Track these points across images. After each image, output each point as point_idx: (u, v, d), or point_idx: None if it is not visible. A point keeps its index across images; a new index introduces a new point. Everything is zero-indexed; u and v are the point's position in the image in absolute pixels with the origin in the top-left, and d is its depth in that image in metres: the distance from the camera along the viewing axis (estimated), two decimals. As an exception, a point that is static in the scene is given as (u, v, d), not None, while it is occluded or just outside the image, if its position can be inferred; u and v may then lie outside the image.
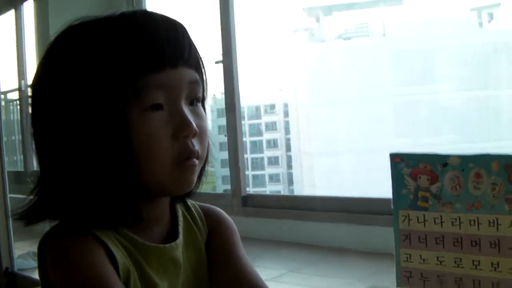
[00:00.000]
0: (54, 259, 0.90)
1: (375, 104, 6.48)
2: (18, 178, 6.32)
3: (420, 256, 2.10)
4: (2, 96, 6.53)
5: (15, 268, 3.95)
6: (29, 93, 1.00)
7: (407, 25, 6.47)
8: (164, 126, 0.91)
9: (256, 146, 6.75)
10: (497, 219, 1.91)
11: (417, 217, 2.07)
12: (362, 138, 6.27)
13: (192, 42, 0.97)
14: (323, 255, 3.62)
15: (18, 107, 6.86)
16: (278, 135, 7.14)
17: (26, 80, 6.42)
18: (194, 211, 1.10)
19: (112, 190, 0.92)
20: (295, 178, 6.79)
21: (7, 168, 4.10)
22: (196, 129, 0.93)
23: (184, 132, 0.93)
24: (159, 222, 1.03)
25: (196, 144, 0.95)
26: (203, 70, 1.00)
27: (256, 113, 6.42)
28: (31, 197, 0.99)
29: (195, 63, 0.97)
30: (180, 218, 1.06)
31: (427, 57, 6.32)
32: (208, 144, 1.02)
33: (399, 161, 2.09)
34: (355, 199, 3.80)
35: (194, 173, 0.97)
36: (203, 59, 1.03)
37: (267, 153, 7.04)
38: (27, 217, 0.98)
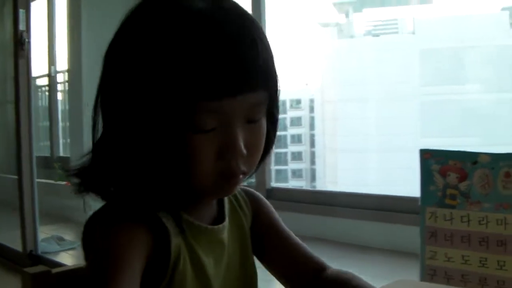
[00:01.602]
0: (99, 245, 0.91)
1: (402, 102, 6.44)
2: (45, 163, 6.39)
3: (446, 254, 2.09)
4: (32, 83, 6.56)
5: (39, 251, 3.99)
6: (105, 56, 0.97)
7: (437, 23, 6.41)
8: (211, 148, 0.90)
9: (280, 141, 6.73)
10: (525, 220, 1.90)
11: (444, 215, 2.06)
12: (387, 136, 6.25)
13: (268, 57, 0.91)
14: (346, 252, 3.60)
15: (47, 93, 6.90)
16: (303, 131, 7.13)
17: (56, 66, 6.47)
18: (238, 195, 1.11)
19: (167, 179, 0.92)
20: (317, 174, 6.78)
21: (35, 154, 4.14)
22: (243, 151, 0.91)
23: (229, 155, 0.91)
24: (208, 206, 1.04)
25: (242, 164, 0.93)
26: (275, 83, 0.95)
27: (282, 107, 6.43)
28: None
29: (264, 83, 0.91)
30: (226, 202, 1.08)
31: (456, 56, 6.26)
32: (267, 152, 1.01)
33: (428, 158, 2.09)
34: (380, 197, 3.77)
35: (237, 186, 0.98)
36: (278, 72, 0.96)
37: (291, 148, 7.04)
38: (81, 179, 0.97)
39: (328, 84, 6.65)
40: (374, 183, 5.09)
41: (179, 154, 0.88)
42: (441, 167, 2.06)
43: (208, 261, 0.99)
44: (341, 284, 1.01)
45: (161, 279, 0.91)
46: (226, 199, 1.07)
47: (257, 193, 1.16)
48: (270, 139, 1.00)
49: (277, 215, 1.13)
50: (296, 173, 6.32)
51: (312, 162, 6.28)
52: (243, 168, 0.92)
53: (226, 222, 1.04)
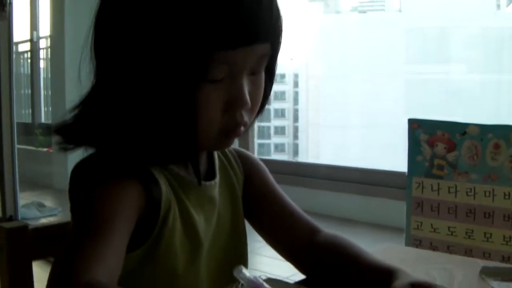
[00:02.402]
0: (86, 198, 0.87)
1: (386, 79, 6.42)
2: (26, 130, 6.31)
3: (431, 225, 2.08)
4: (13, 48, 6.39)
5: (19, 217, 3.95)
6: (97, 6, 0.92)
7: (424, 2, 6.38)
8: (218, 98, 0.87)
9: (263, 115, 6.67)
10: (512, 192, 1.89)
11: (431, 185, 2.05)
12: (371, 113, 6.23)
13: (278, 11, 0.89)
14: (328, 224, 3.59)
15: (29, 60, 6.77)
16: (287, 105, 7.09)
17: (38, 31, 6.36)
18: (230, 155, 1.08)
19: (170, 131, 0.88)
20: (300, 149, 6.75)
21: (15, 120, 4.08)
22: (249, 102, 0.89)
23: (236, 106, 0.89)
24: (199, 163, 1.01)
25: (245, 115, 0.91)
26: (280, 38, 0.92)
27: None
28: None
29: (273, 35, 0.89)
30: (216, 161, 1.05)
31: (442, 36, 6.24)
32: (263, 106, 0.99)
33: (416, 127, 2.07)
34: (363, 170, 3.77)
35: (236, 138, 0.95)
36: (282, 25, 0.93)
37: (274, 123, 7.00)
38: (67, 138, 0.92)
39: (313, 59, 6.60)
40: (356, 159, 5.07)
41: (186, 104, 0.85)
42: (429, 137, 2.04)
43: (198, 218, 0.97)
44: (336, 251, 0.99)
45: (148, 234, 0.89)
46: (216, 158, 1.04)
47: (251, 155, 1.13)
48: (267, 93, 0.98)
49: (271, 177, 1.10)
50: (279, 148, 6.29)
51: (295, 136, 6.25)
52: (246, 119, 0.90)
53: (217, 180, 1.01)
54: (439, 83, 6.08)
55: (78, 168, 0.92)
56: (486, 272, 1.04)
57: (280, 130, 6.90)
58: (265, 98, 0.97)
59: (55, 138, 0.92)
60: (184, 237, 0.94)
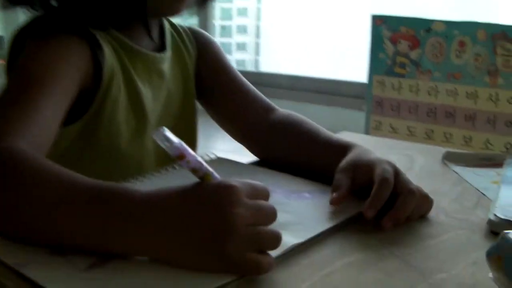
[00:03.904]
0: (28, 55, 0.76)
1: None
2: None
3: (391, 124, 2.01)
4: None
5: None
6: None
7: None
8: None
9: (225, 30, 6.51)
10: (476, 91, 1.81)
11: (392, 84, 1.96)
12: (335, 23, 6.08)
13: None
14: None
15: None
16: (248, 21, 6.90)
17: None
18: (183, 33, 0.98)
19: None
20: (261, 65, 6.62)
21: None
22: None
23: None
24: (148, 34, 0.91)
25: None
26: None
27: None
28: None
29: None
30: (168, 36, 0.94)
31: None
32: None
33: (380, 24, 1.96)
34: (325, 80, 3.67)
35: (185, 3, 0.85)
36: None
37: (236, 39, 6.85)
38: None
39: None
40: (319, 70, 4.97)
41: None
42: (393, 34, 1.94)
43: (145, 91, 0.87)
44: (291, 127, 0.90)
45: (88, 105, 0.78)
46: (168, 32, 0.95)
47: (205, 33, 1.04)
48: None
49: (225, 56, 1.01)
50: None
51: (257, 53, 6.09)
52: None
53: (168, 54, 0.92)
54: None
55: (20, 33, 0.80)
56: (449, 157, 0.96)
57: (242, 46, 6.73)
58: None
59: None
60: (129, 111, 0.85)
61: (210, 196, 0.51)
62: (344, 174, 0.71)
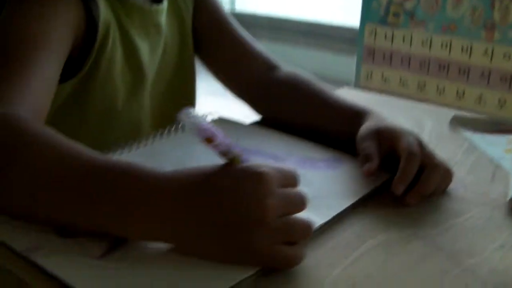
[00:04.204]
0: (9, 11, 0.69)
1: None
2: None
3: (382, 74, 1.97)
4: None
5: None
6: None
7: None
8: None
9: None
10: (471, 45, 1.78)
11: (385, 34, 1.91)
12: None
13: None
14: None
15: None
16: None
17: None
18: None
19: None
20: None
21: None
22: None
23: None
24: None
25: None
26: None
27: None
28: None
29: None
30: None
31: None
32: None
33: (375, -30, 1.90)
34: (312, 24, 3.59)
35: None
36: None
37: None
38: None
39: None
40: (306, 12, 4.88)
41: None
42: (388, -18, 1.89)
43: (142, 46, 0.82)
44: (297, 88, 0.86)
45: (84, 62, 0.73)
46: None
47: None
48: None
49: (222, 7, 0.96)
50: None
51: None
52: None
53: (164, 5, 0.86)
54: None
55: None
56: (457, 121, 0.93)
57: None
58: None
59: None
60: (126, 66, 0.80)
61: (240, 183, 0.47)
62: (372, 142, 0.68)
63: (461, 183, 0.69)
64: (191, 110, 0.46)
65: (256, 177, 0.47)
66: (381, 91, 1.92)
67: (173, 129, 0.77)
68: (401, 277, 0.50)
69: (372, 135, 0.69)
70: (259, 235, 0.46)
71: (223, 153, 0.47)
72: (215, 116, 0.83)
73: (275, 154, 0.71)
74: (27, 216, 0.50)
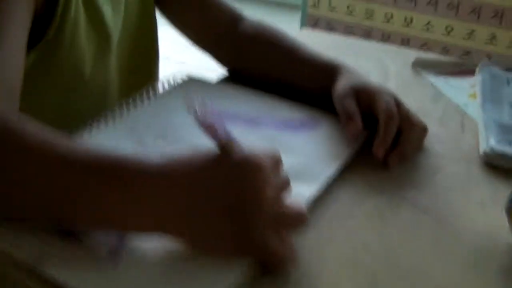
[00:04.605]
0: None
1: None
2: None
3: (329, 3, 1.93)
4: None
5: None
6: None
7: None
8: None
9: None
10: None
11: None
12: None
13: None
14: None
15: None
16: None
17: None
18: None
19: None
20: None
21: None
22: None
23: None
24: None
25: None
26: None
27: None
28: None
29: None
30: None
31: None
32: None
33: None
34: None
35: None
36: None
37: None
38: None
39: None
40: None
41: None
42: None
43: (105, 8, 0.78)
44: (266, 40, 0.84)
45: (46, 29, 0.70)
46: None
47: None
48: None
49: None
50: None
51: None
52: None
53: None
54: None
55: None
56: (419, 64, 0.94)
57: None
58: None
59: None
60: (90, 29, 0.76)
61: (239, 173, 0.47)
62: (351, 100, 0.68)
63: (435, 137, 0.71)
64: (195, 97, 0.45)
65: (253, 167, 0.47)
66: (328, 20, 1.91)
67: (144, 95, 0.75)
68: (397, 249, 0.52)
69: (350, 92, 0.69)
70: (256, 223, 0.46)
71: (220, 142, 0.47)
72: (184, 77, 0.81)
73: (252, 117, 0.71)
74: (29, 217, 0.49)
